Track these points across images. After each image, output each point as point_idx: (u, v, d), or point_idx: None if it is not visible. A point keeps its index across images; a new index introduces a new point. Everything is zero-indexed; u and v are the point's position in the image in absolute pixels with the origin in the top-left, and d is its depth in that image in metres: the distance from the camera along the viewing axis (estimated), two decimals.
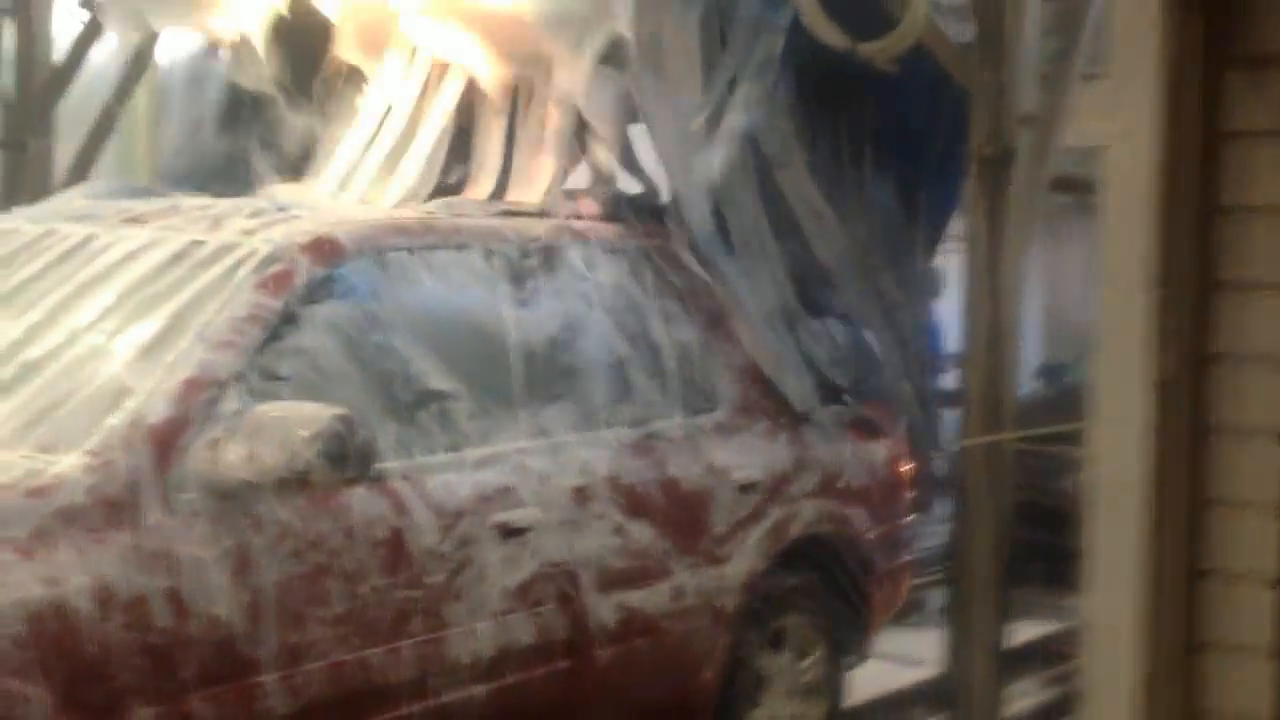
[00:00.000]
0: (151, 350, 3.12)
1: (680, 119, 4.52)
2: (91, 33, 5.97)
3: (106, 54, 6.06)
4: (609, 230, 4.26)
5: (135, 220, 3.67)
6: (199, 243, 3.44)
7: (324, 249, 3.44)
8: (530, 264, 3.91)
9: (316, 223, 3.56)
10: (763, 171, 4.65)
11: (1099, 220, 3.01)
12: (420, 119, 4.61)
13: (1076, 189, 5.42)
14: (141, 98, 6.30)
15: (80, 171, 5.99)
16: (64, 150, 6.03)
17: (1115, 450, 2.95)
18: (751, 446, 4.33)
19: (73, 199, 4.36)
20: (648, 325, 4.17)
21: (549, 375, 3.83)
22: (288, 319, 3.27)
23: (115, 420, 2.96)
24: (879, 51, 4.34)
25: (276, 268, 3.32)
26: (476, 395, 3.60)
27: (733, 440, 4.29)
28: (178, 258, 3.39)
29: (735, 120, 4.51)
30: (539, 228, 4.05)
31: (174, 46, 5.49)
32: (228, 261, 3.34)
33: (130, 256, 3.42)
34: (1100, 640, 2.97)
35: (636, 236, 4.32)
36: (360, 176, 4.48)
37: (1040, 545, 5.06)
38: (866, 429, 4.83)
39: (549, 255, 3.99)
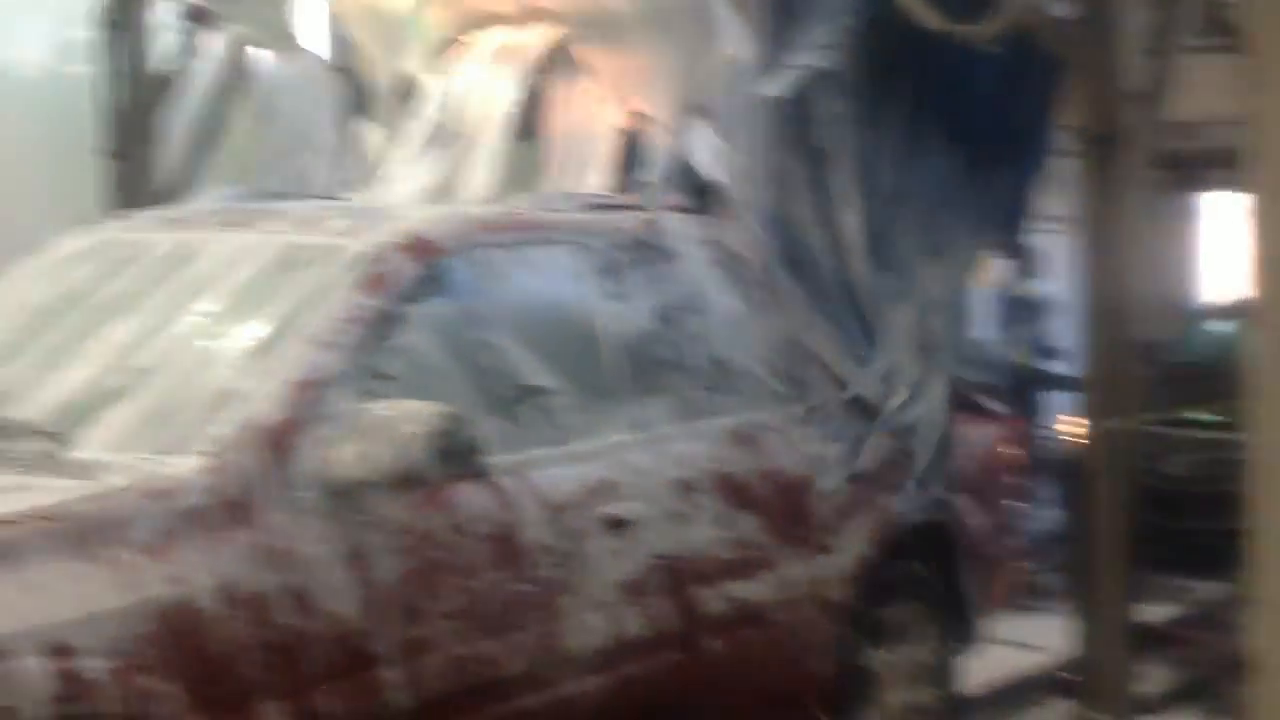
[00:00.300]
0: (259, 353, 3.18)
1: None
2: (193, 44, 6.10)
3: (207, 64, 6.19)
4: (694, 221, 4.26)
5: (235, 224, 3.74)
6: (298, 245, 3.50)
7: (420, 248, 3.48)
8: (620, 257, 3.93)
9: (412, 222, 3.60)
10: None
11: (1250, 196, 2.92)
12: (490, 113, 4.62)
13: (1178, 165, 5.31)
14: (240, 107, 6.42)
15: (182, 180, 6.11)
16: (165, 158, 6.17)
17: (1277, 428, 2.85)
18: (835, 433, 4.30)
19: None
20: (738, 315, 4.17)
21: (645, 368, 3.84)
22: (388, 318, 3.31)
23: (228, 422, 3.01)
24: (979, 32, 4.28)
25: (375, 268, 3.36)
26: (575, 389, 3.62)
27: (826, 430, 4.26)
28: (279, 260, 3.45)
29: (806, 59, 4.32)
30: (627, 220, 4.07)
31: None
32: (327, 263, 3.39)
33: (232, 260, 3.48)
34: (1272, 618, 2.88)
35: (720, 226, 4.31)
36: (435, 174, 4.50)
37: (1151, 528, 4.97)
38: (972, 413, 4.75)
39: (639, 248, 4.00)
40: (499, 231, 3.72)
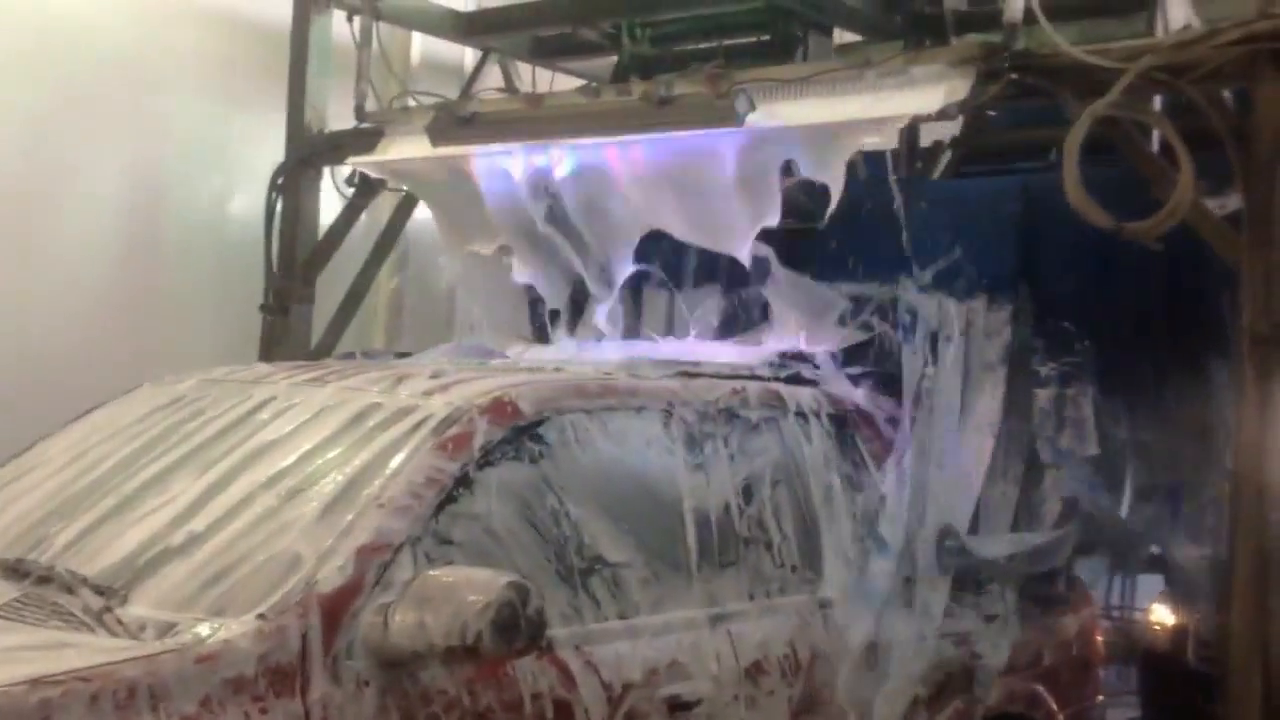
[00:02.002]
0: (327, 513, 3.10)
1: None
2: (356, 208, 6.30)
3: (362, 227, 6.38)
4: (798, 393, 4.15)
5: (317, 380, 3.73)
6: (377, 405, 3.45)
7: (502, 410, 3.39)
8: (708, 428, 3.81)
9: (496, 384, 3.53)
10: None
11: None
12: None
13: None
14: (385, 270, 6.59)
15: (333, 335, 6.27)
16: (321, 315, 6.33)
17: None
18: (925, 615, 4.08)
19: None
20: (829, 490, 4.03)
21: (723, 542, 3.70)
22: (464, 482, 3.22)
23: (288, 586, 2.92)
24: (1145, 231, 4.20)
25: (455, 430, 3.28)
26: (649, 561, 3.50)
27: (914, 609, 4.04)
28: (356, 419, 3.40)
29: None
30: (718, 389, 3.95)
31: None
32: (406, 423, 3.32)
33: (311, 418, 3.45)
34: None
35: (830, 399, 4.21)
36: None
37: None
38: (1054, 599, 4.54)
39: (729, 418, 3.89)
40: (585, 396, 3.62)
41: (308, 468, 3.27)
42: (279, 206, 6.27)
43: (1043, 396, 4.63)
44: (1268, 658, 4.16)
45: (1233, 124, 4.25)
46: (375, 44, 6.08)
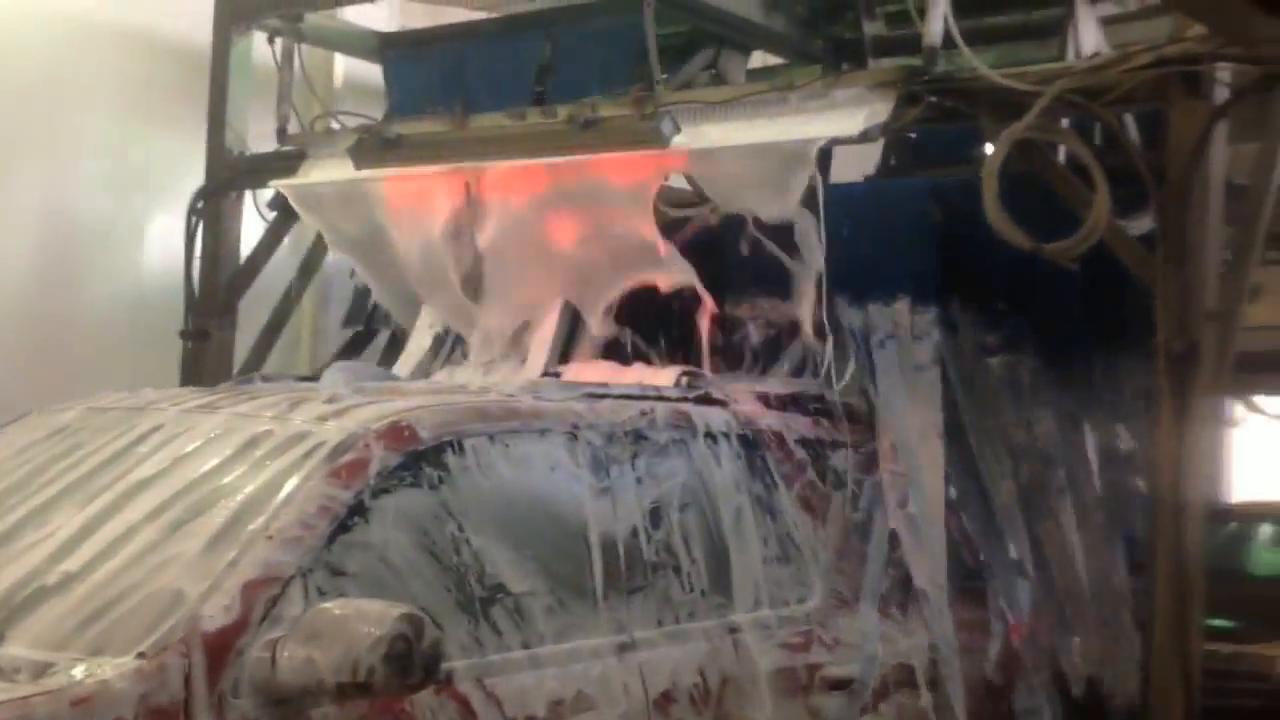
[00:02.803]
0: (213, 547, 2.98)
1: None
2: (278, 233, 6.20)
3: (283, 251, 6.28)
4: (708, 413, 4.08)
5: (207, 407, 3.62)
6: (268, 432, 3.34)
7: (399, 435, 3.28)
8: (615, 450, 3.71)
9: (393, 408, 3.41)
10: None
11: None
12: None
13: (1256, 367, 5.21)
14: (309, 294, 6.49)
15: (256, 361, 6.16)
16: (242, 341, 6.23)
17: None
18: (851, 639, 4.04)
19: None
20: (740, 513, 3.96)
21: (630, 567, 3.60)
22: (358, 510, 3.11)
23: (170, 623, 2.80)
24: (1063, 251, 4.26)
25: (349, 456, 3.17)
26: (553, 589, 3.39)
27: (829, 632, 4.01)
28: (246, 447, 3.29)
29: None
30: (625, 411, 3.85)
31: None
32: (298, 450, 3.21)
33: (199, 446, 3.35)
34: None
35: (740, 420, 4.14)
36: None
37: None
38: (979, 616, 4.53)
39: (636, 440, 3.79)
40: (487, 419, 3.51)
41: (193, 499, 3.15)
42: (199, 231, 6.16)
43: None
44: (1188, 681, 4.15)
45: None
46: (298, 65, 6.01)
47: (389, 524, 3.14)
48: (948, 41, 4.53)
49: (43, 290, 6.50)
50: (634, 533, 3.65)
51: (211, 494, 3.15)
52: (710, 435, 4.00)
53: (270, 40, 6.00)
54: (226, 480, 3.18)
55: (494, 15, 6.11)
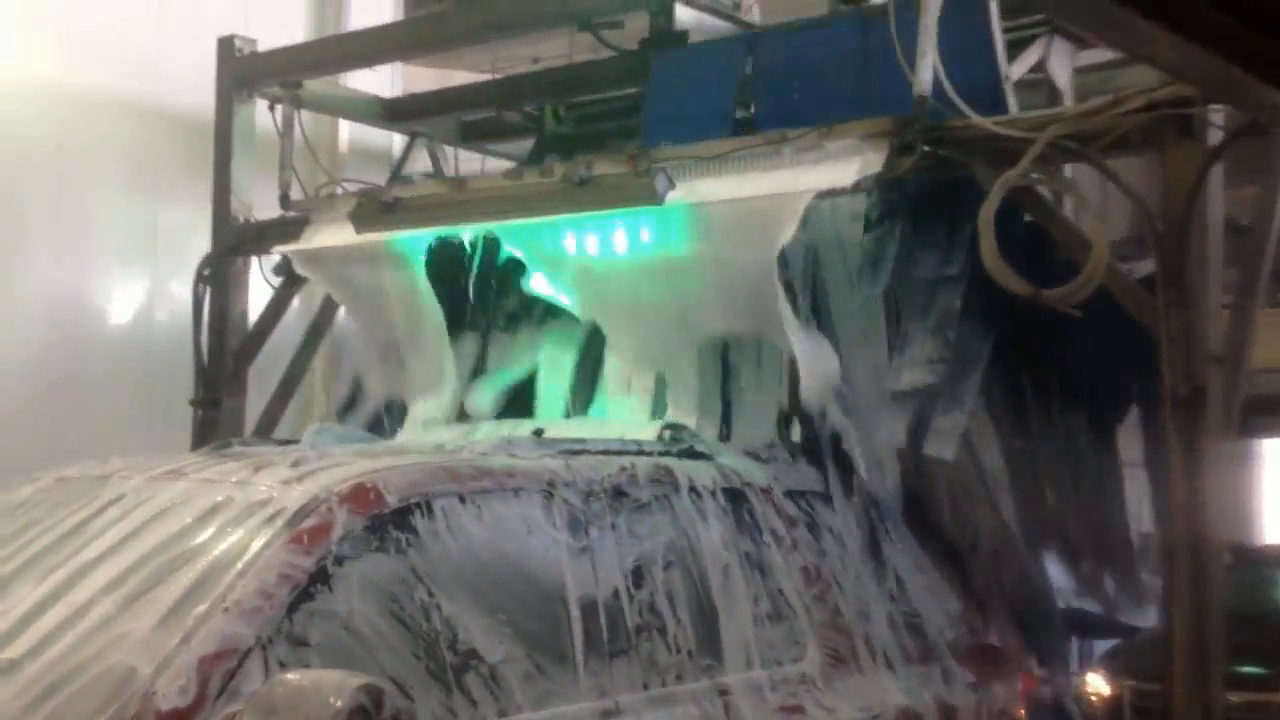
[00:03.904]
0: (167, 620, 2.89)
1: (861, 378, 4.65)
2: (285, 297, 6.20)
3: (292, 317, 6.27)
4: (691, 468, 3.98)
5: (173, 474, 3.54)
6: (229, 499, 3.25)
7: (364, 498, 3.18)
8: (593, 508, 3.61)
9: (359, 469, 3.32)
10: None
11: None
12: None
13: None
14: (319, 359, 6.47)
15: (267, 426, 6.13)
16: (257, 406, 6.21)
17: None
18: (844, 698, 3.91)
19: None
20: (728, 570, 3.84)
21: (612, 630, 3.48)
22: (321, 577, 3.01)
23: (120, 703, 2.71)
24: (1062, 298, 4.19)
25: (310, 521, 3.08)
26: (531, 654, 3.27)
27: (825, 692, 3.87)
28: (207, 515, 3.21)
29: (915, 378, 4.56)
30: (605, 468, 3.75)
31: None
32: (259, 517, 3.12)
33: (158, 515, 3.27)
34: None
35: (725, 474, 4.05)
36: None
37: None
38: (989, 663, 4.40)
39: (615, 497, 3.68)
40: (457, 480, 3.40)
41: (150, 570, 3.05)
42: (207, 298, 6.18)
43: None
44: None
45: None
46: (299, 132, 6.04)
47: (354, 591, 3.04)
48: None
49: (53, 363, 6.54)
50: (615, 594, 3.53)
51: (168, 564, 3.05)
52: (695, 490, 3.90)
53: (271, 107, 6.04)
54: (184, 549, 3.09)
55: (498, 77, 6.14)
